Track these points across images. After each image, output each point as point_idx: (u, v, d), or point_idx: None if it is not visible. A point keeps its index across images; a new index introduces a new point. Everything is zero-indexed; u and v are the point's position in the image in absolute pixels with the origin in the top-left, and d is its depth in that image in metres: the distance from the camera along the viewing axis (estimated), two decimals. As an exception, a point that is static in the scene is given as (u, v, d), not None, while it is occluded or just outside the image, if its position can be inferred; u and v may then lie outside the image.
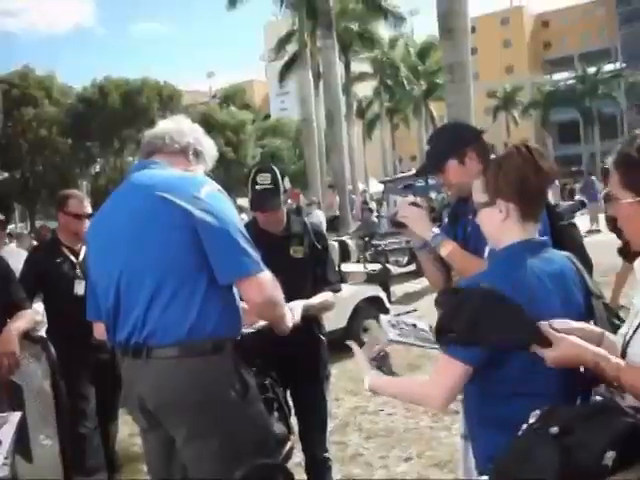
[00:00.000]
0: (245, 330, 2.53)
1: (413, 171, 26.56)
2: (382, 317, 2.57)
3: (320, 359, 3.39)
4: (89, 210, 4.24)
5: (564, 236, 2.57)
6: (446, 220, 3.02)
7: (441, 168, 2.75)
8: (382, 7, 28.74)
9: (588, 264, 2.49)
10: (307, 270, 3.32)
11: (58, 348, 3.45)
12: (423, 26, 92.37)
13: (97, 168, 47.02)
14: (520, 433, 1.54)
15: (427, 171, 3.16)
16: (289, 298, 3.04)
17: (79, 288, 4.06)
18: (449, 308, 1.88)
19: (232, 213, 2.28)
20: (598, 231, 14.80)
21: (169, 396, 2.17)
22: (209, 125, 42.45)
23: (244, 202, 27.87)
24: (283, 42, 32.01)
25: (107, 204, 2.44)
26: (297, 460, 3.34)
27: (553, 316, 1.86)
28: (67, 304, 3.93)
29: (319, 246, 3.38)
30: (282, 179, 3.19)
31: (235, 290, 2.30)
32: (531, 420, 1.53)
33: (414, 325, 2.64)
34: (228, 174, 43.20)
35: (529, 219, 2.00)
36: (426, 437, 4.96)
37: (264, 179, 3.14)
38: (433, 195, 17.65)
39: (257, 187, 3.14)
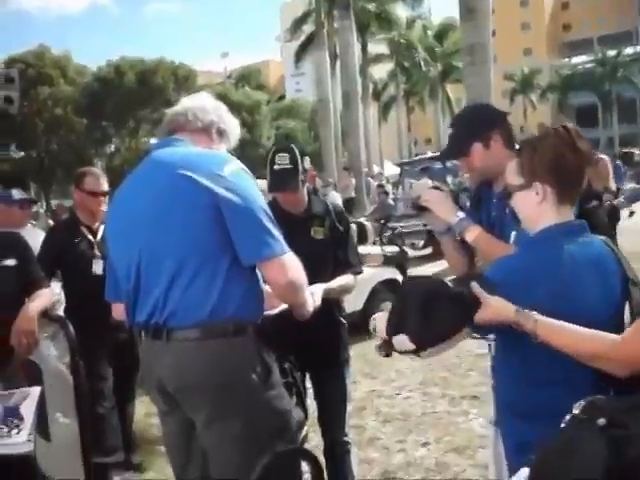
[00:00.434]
0: (266, 313, 2.46)
1: (429, 154, 26.42)
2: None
3: (340, 342, 3.34)
4: (106, 188, 4.20)
5: (590, 220, 2.51)
6: (468, 204, 2.97)
7: (466, 152, 2.65)
8: (400, -13, 28.43)
9: None
10: (328, 251, 3.26)
11: (76, 328, 3.42)
12: (440, 8, 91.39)
13: (112, 148, 46.98)
14: (564, 424, 1.47)
15: (451, 155, 3.02)
16: (309, 280, 3.00)
17: (97, 267, 4.04)
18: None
19: (256, 192, 2.21)
20: (632, 213, 14.39)
21: (190, 379, 2.12)
22: (224, 104, 42.22)
23: (260, 184, 28.02)
24: (299, 22, 31.77)
25: (128, 182, 2.37)
26: (313, 443, 3.31)
27: (588, 300, 1.85)
28: (85, 284, 3.91)
29: (340, 228, 3.32)
30: (301, 159, 3.11)
31: (258, 273, 2.24)
32: (575, 411, 1.46)
33: None
34: (243, 154, 42.85)
35: (566, 202, 1.96)
36: (444, 422, 4.92)
37: (282, 159, 3.07)
38: (449, 179, 17.47)
39: (275, 167, 3.06)
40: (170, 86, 40.36)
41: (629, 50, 68.44)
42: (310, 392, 3.24)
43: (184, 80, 41.38)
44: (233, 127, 2.51)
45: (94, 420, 3.66)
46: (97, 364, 3.94)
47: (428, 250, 13.90)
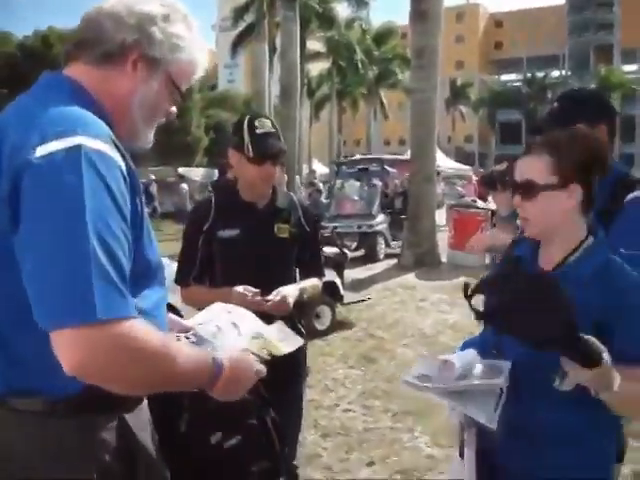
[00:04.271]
0: None
1: (358, 156, 26.36)
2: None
3: (301, 354, 2.94)
4: None
5: None
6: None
7: (567, 127, 2.38)
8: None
9: None
10: (292, 252, 2.88)
11: None
12: (376, 12, 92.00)
13: (32, 122, 44.94)
14: None
15: (550, 125, 2.71)
16: (271, 284, 2.64)
17: None
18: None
19: (91, 198, 1.23)
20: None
21: None
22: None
23: (186, 171, 27.03)
24: (241, 12, 31.09)
25: None
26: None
27: None
28: None
29: (307, 227, 2.93)
30: None
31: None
32: None
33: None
34: (170, 141, 42.00)
35: (589, 211, 1.82)
36: (388, 439, 4.60)
37: (264, 124, 2.69)
38: (377, 182, 17.26)
39: (258, 131, 2.67)
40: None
41: (555, 73, 71.01)
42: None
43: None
44: (178, 46, 1.52)
45: None
46: None
47: (360, 252, 13.70)
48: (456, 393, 1.73)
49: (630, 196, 2.19)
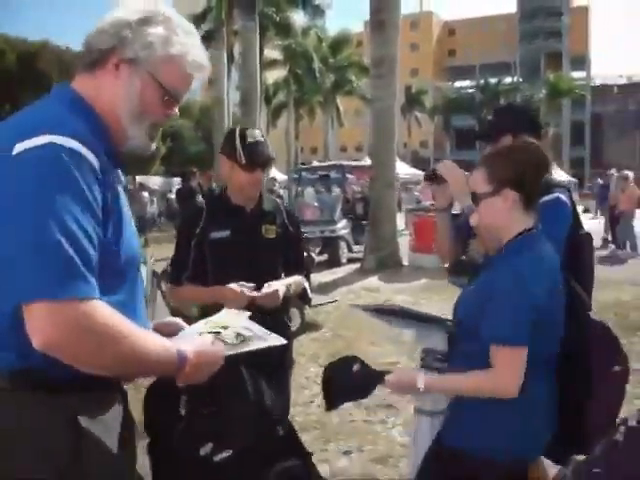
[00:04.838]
0: None
1: (315, 163, 26.63)
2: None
3: (288, 345, 3.17)
4: None
5: (583, 246, 2.69)
6: None
7: (495, 139, 2.75)
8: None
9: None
10: (278, 252, 3.12)
11: None
12: (331, 21, 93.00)
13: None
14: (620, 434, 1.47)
15: (481, 136, 3.14)
16: (259, 282, 2.87)
17: None
18: None
19: (58, 191, 1.38)
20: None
21: None
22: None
23: (144, 179, 26.75)
24: (197, 20, 31.09)
25: None
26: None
27: (560, 302, 2.11)
28: None
29: (291, 228, 3.19)
30: None
31: None
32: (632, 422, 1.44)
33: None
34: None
35: (531, 209, 2.14)
36: (362, 430, 4.84)
37: (255, 134, 2.95)
38: (335, 188, 17.54)
39: (250, 140, 2.91)
40: (55, 71, 38.33)
41: (508, 79, 72.55)
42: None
43: (71, 67, 39.40)
44: (151, 43, 1.61)
45: None
46: None
47: (324, 257, 13.95)
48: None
49: (544, 198, 2.45)
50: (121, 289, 1.57)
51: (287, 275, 3.14)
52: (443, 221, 2.88)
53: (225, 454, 1.97)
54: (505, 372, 1.98)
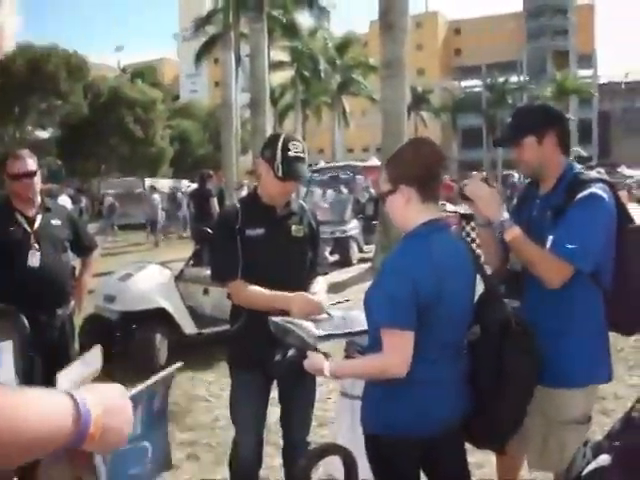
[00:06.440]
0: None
1: (322, 163, 26.69)
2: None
3: None
4: (29, 168, 3.90)
5: (631, 241, 2.63)
6: (515, 202, 3.08)
7: (518, 142, 2.71)
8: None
9: None
10: (307, 250, 3.25)
11: None
12: (337, 22, 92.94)
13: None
14: None
15: (504, 142, 3.02)
16: (288, 280, 2.98)
17: (33, 260, 3.81)
18: None
19: None
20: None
21: None
22: (118, 99, 41.06)
23: (154, 182, 26.89)
24: (202, 22, 31.24)
25: None
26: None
27: (458, 290, 2.24)
28: (18, 276, 3.75)
29: (315, 229, 3.33)
30: None
31: None
32: None
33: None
34: (134, 152, 41.93)
35: (429, 200, 2.27)
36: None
37: (297, 147, 3.00)
38: (343, 189, 17.66)
39: (290, 154, 2.96)
40: (62, 75, 38.55)
41: (514, 79, 72.37)
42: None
43: (77, 70, 39.62)
44: None
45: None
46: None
47: (335, 257, 14.06)
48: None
49: (578, 196, 2.48)
50: None
51: (309, 273, 3.25)
52: (485, 236, 2.84)
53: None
54: (391, 353, 2.11)
